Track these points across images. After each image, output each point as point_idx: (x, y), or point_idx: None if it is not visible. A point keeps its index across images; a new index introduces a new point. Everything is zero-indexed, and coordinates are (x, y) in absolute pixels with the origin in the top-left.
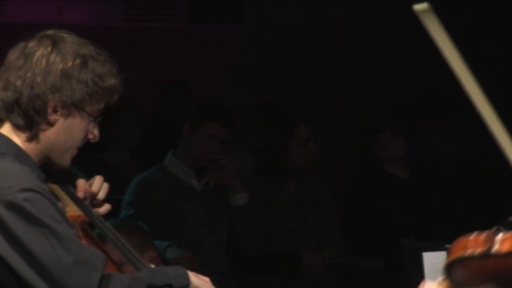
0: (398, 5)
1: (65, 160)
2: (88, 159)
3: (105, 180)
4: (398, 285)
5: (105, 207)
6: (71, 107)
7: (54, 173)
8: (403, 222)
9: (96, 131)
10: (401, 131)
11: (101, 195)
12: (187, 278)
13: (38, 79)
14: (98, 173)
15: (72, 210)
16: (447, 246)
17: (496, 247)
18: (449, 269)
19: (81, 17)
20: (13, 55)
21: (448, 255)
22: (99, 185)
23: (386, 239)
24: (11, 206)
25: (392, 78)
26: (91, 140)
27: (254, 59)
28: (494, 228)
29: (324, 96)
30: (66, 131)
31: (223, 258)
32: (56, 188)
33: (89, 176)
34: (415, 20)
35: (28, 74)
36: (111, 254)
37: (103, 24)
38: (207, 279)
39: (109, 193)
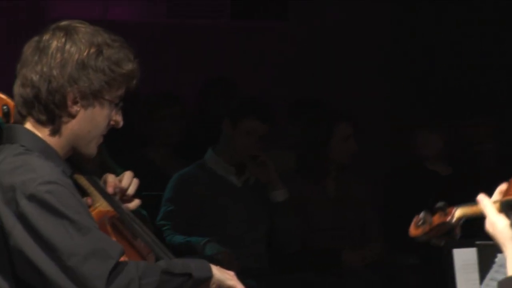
0: (441, 3)
1: (91, 149)
2: (130, 155)
3: (147, 176)
4: (437, 282)
5: (135, 203)
6: (90, 97)
7: (84, 169)
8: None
9: (118, 117)
10: (438, 128)
11: (131, 190)
12: (209, 270)
13: (55, 72)
14: (140, 170)
15: (102, 205)
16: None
17: None
18: (503, 204)
19: (126, 13)
20: (28, 50)
21: (506, 191)
22: (128, 181)
23: None
24: (33, 198)
25: (433, 75)
26: (115, 126)
27: (298, 55)
28: None
29: (365, 93)
30: (88, 121)
31: (262, 255)
32: (86, 183)
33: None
34: (457, 18)
35: (45, 69)
36: (140, 249)
37: (148, 20)
38: (232, 273)
39: (151, 189)
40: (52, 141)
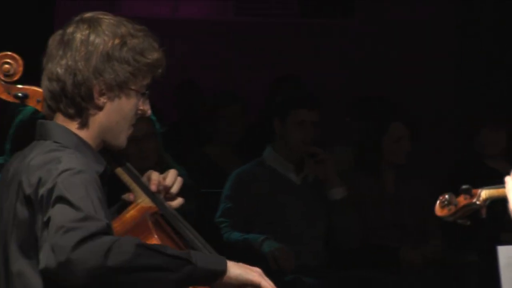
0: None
1: (121, 140)
2: (190, 153)
3: (207, 174)
4: (497, 280)
5: (178, 201)
6: (116, 89)
7: (126, 166)
8: (503, 216)
9: (145, 106)
10: (502, 126)
11: (175, 189)
12: (223, 264)
13: (80, 65)
14: (201, 167)
15: (144, 201)
16: None
17: None
18: None
19: (194, 11)
20: (52, 44)
21: None
22: (172, 179)
23: (486, 234)
24: (49, 185)
25: (497, 72)
26: (142, 116)
27: (365, 53)
28: None
29: (430, 91)
30: (116, 112)
31: (321, 252)
32: (128, 179)
33: (188, 169)
34: None
35: (69, 62)
36: (183, 247)
37: (216, 18)
38: (258, 270)
39: (212, 186)
40: (82, 134)
